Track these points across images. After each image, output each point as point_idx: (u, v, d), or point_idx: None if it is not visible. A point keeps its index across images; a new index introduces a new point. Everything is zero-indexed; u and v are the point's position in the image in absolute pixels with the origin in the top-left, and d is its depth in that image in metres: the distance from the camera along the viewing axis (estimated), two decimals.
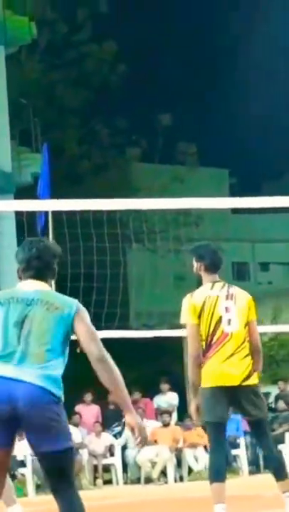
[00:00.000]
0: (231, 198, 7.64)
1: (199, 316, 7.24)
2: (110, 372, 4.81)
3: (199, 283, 7.73)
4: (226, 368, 7.14)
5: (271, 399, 20.15)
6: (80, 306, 4.97)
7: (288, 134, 49.05)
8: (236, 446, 17.76)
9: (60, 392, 4.71)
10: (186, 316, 7.31)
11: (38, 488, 16.60)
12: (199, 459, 17.49)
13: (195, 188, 27.85)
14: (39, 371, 4.66)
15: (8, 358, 4.69)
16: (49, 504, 5.47)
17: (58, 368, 4.77)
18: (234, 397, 7.20)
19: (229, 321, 7.19)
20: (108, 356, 4.84)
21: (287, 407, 18.70)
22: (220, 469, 7.29)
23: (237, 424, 18.03)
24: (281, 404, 18.75)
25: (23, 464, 16.65)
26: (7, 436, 4.72)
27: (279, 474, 7.27)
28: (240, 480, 16.94)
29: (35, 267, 5.05)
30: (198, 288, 7.58)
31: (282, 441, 17.89)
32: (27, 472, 16.64)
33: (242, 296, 7.43)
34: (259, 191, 40.08)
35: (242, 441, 17.87)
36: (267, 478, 16.73)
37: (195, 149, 35.75)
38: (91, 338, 4.85)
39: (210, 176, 40.71)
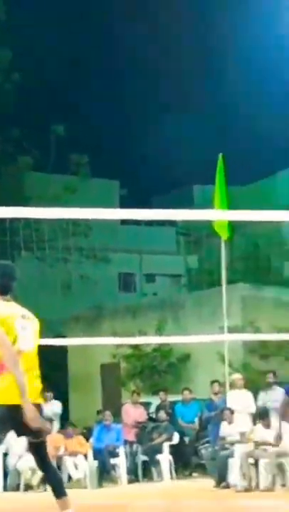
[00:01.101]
0: (120, 210, 7.69)
1: None
2: None
3: (85, 292, 7.67)
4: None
5: (152, 409, 20.27)
6: None
7: (181, 149, 49.57)
8: (115, 455, 17.80)
9: None
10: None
11: None
12: (79, 466, 17.50)
13: (86, 198, 27.80)
14: None
15: None
16: None
17: None
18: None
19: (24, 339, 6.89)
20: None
21: (167, 417, 18.83)
22: None
23: (117, 434, 18.10)
24: (162, 415, 18.87)
25: None
26: None
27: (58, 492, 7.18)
28: (119, 488, 17.03)
29: None
30: None
31: (160, 451, 18.03)
32: None
33: (35, 319, 7.18)
34: (148, 204, 40.40)
35: (121, 450, 17.93)
36: (145, 486, 16.90)
37: (87, 160, 35.73)
38: None
39: (101, 186, 40.81)
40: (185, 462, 18.84)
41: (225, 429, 16.17)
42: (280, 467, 14.64)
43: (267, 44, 50.79)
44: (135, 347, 24.80)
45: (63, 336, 24.09)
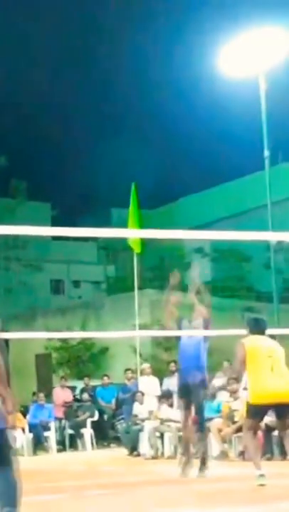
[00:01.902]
0: (52, 227, 7.72)
1: None
2: None
3: (23, 295, 7.71)
4: None
5: (77, 391, 20.27)
6: None
7: (102, 178, 49.66)
8: (48, 429, 17.77)
9: None
10: None
11: None
12: (17, 438, 17.32)
13: (23, 217, 27.70)
14: None
15: None
16: None
17: None
18: None
19: None
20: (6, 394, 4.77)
21: (90, 398, 18.87)
22: None
23: (49, 412, 18.08)
24: (85, 396, 18.88)
25: None
26: None
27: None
28: (50, 456, 17.00)
29: None
30: None
31: (84, 426, 18.06)
32: None
33: None
34: (75, 223, 40.38)
35: (52, 425, 17.90)
36: (72, 455, 16.89)
37: (25, 185, 35.56)
38: None
39: (36, 208, 40.58)
40: (104, 435, 18.87)
41: (137, 408, 16.24)
42: (180, 439, 14.78)
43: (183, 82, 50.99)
44: (64, 340, 24.77)
45: (5, 331, 23.94)
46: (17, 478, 4.45)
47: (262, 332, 8.39)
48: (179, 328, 10.49)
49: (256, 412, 8.01)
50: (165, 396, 15.67)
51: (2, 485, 4.43)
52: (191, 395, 10.36)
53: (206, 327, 10.36)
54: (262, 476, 7.76)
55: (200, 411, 10.50)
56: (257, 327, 8.43)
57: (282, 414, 7.93)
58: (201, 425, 10.60)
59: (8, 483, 4.42)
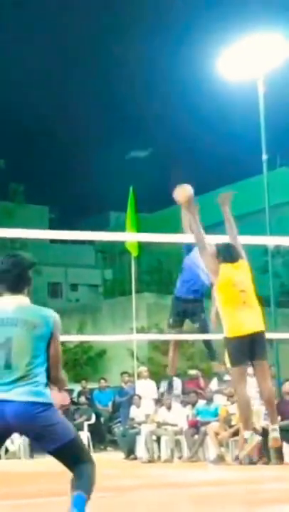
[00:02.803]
0: (50, 231, 7.69)
1: None
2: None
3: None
4: None
5: (75, 394, 20.25)
6: (56, 318, 4.77)
7: (100, 181, 49.70)
8: None
9: (46, 399, 4.42)
10: None
11: None
12: (14, 441, 17.31)
13: (22, 220, 27.65)
14: (26, 388, 4.36)
15: None
16: None
17: (42, 380, 4.50)
18: None
19: None
20: (62, 377, 4.75)
21: (87, 401, 18.85)
22: None
23: None
24: (82, 399, 18.86)
25: None
26: None
27: None
28: (47, 458, 16.93)
29: (7, 280, 4.56)
30: None
31: (80, 428, 18.02)
32: None
33: None
34: (73, 226, 40.39)
35: None
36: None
37: (23, 188, 35.56)
38: (54, 362, 4.70)
39: (34, 211, 40.61)
40: (100, 438, 18.86)
41: (133, 411, 16.24)
42: (177, 443, 14.79)
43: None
44: (61, 343, 24.74)
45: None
46: (92, 463, 4.47)
47: (234, 260, 8.12)
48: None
49: (235, 348, 7.81)
50: (162, 400, 15.66)
51: (79, 469, 4.45)
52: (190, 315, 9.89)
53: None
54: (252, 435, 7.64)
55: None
56: (229, 255, 8.11)
57: (256, 348, 7.76)
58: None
59: (84, 467, 4.46)
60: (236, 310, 7.70)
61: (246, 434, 7.48)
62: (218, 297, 7.85)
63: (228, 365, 7.84)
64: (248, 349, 7.69)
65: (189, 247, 9.54)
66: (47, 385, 4.53)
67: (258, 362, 7.65)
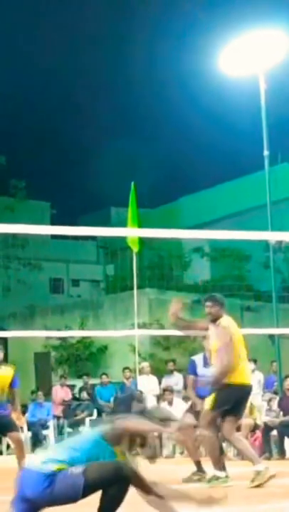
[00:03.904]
0: (51, 226, 7.70)
1: None
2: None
3: (22, 293, 7.68)
4: None
5: (76, 390, 20.26)
6: None
7: (101, 177, 49.65)
8: (46, 427, 17.77)
9: None
10: None
11: None
12: None
13: (23, 216, 27.66)
14: None
15: None
16: None
17: None
18: None
19: None
20: None
21: (89, 397, 18.86)
22: None
23: (47, 410, 18.08)
24: (84, 395, 18.88)
25: None
26: None
27: None
28: None
29: None
30: None
31: (82, 424, 18.05)
32: None
33: None
34: (74, 222, 40.40)
35: (51, 423, 17.90)
36: None
37: (24, 184, 35.53)
38: None
39: (35, 207, 40.54)
40: None
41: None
42: None
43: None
44: (63, 339, 24.75)
45: (4, 329, 23.90)
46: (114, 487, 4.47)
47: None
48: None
49: (240, 394, 8.05)
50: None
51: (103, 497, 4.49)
52: None
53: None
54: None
55: None
56: (225, 306, 8.40)
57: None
58: None
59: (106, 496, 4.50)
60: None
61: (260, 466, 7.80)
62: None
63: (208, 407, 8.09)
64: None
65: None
66: None
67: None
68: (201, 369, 9.81)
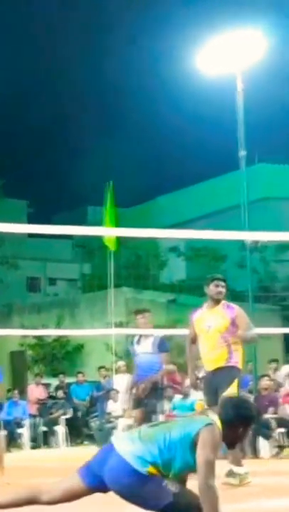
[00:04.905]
0: (28, 225, 7.69)
1: None
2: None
3: (1, 290, 7.62)
4: None
5: (52, 389, 20.19)
6: None
7: (77, 176, 49.56)
8: (21, 426, 17.66)
9: None
10: None
11: None
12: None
13: (0, 215, 27.53)
14: None
15: None
16: None
17: None
18: None
19: None
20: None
21: (64, 396, 18.80)
22: None
23: (23, 409, 17.97)
24: (60, 393, 18.81)
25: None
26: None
27: None
28: (23, 453, 16.90)
29: None
30: None
31: (57, 423, 17.99)
32: None
33: None
34: (51, 221, 40.31)
35: (26, 422, 17.80)
36: (45, 452, 16.79)
37: (2, 183, 35.37)
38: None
39: (12, 205, 40.35)
40: (77, 432, 18.81)
41: (111, 406, 16.21)
42: None
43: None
44: (39, 338, 24.66)
45: None
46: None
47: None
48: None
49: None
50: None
51: None
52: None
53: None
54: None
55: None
56: None
57: None
58: None
59: None
60: None
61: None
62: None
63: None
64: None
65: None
66: None
67: None
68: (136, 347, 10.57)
